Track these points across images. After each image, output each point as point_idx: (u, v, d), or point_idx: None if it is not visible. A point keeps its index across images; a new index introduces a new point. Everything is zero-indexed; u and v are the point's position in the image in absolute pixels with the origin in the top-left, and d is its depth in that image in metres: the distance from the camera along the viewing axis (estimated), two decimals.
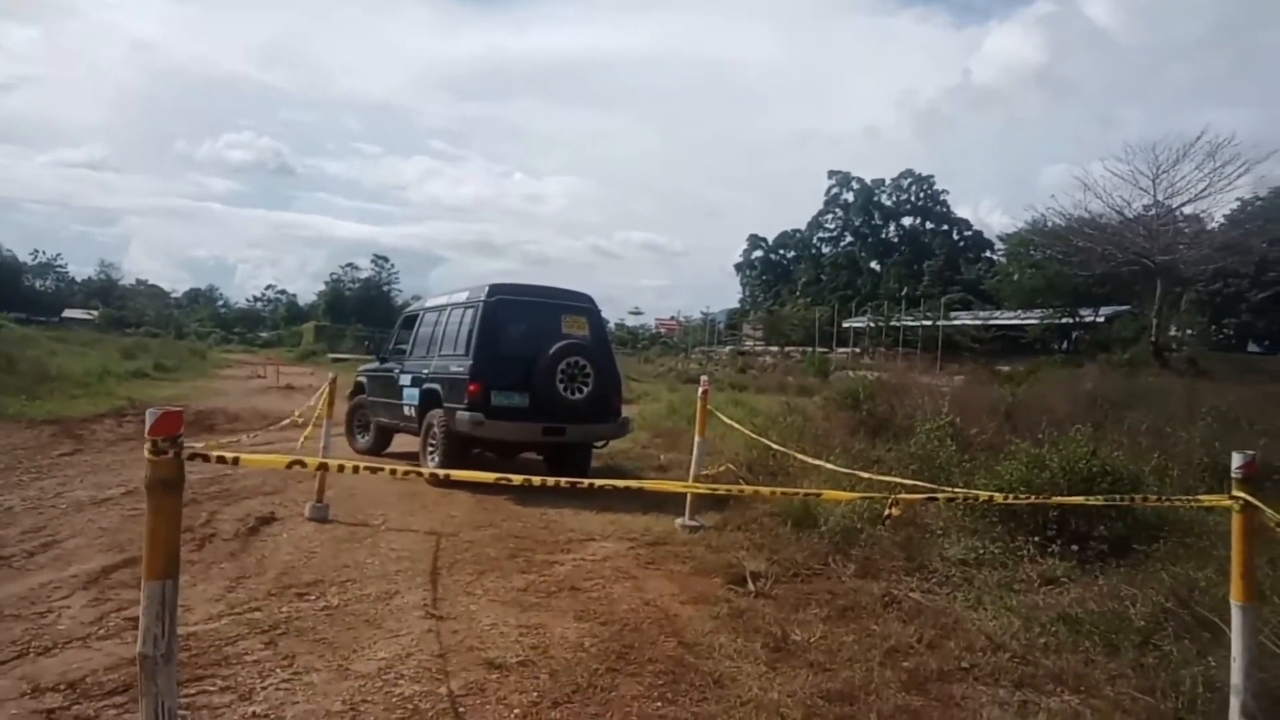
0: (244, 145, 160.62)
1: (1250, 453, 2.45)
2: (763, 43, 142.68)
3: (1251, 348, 38.59)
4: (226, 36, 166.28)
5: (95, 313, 73.54)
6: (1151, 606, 4.34)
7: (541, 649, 4.00)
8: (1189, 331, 35.36)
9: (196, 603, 4.34)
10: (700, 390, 7.01)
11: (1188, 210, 31.00)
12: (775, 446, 6.90)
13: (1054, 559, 5.44)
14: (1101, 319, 38.92)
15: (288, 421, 7.74)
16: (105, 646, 3.70)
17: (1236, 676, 2.41)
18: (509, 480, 2.72)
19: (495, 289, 8.84)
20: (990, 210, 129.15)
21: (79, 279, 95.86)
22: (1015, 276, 46.01)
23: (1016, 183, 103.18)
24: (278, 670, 3.55)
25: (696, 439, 6.88)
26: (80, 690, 3.23)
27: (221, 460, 2.34)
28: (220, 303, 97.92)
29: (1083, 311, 39.91)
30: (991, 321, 43.32)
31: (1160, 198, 30.43)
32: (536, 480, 2.96)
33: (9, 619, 3.99)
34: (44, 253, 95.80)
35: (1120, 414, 9.94)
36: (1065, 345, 41.34)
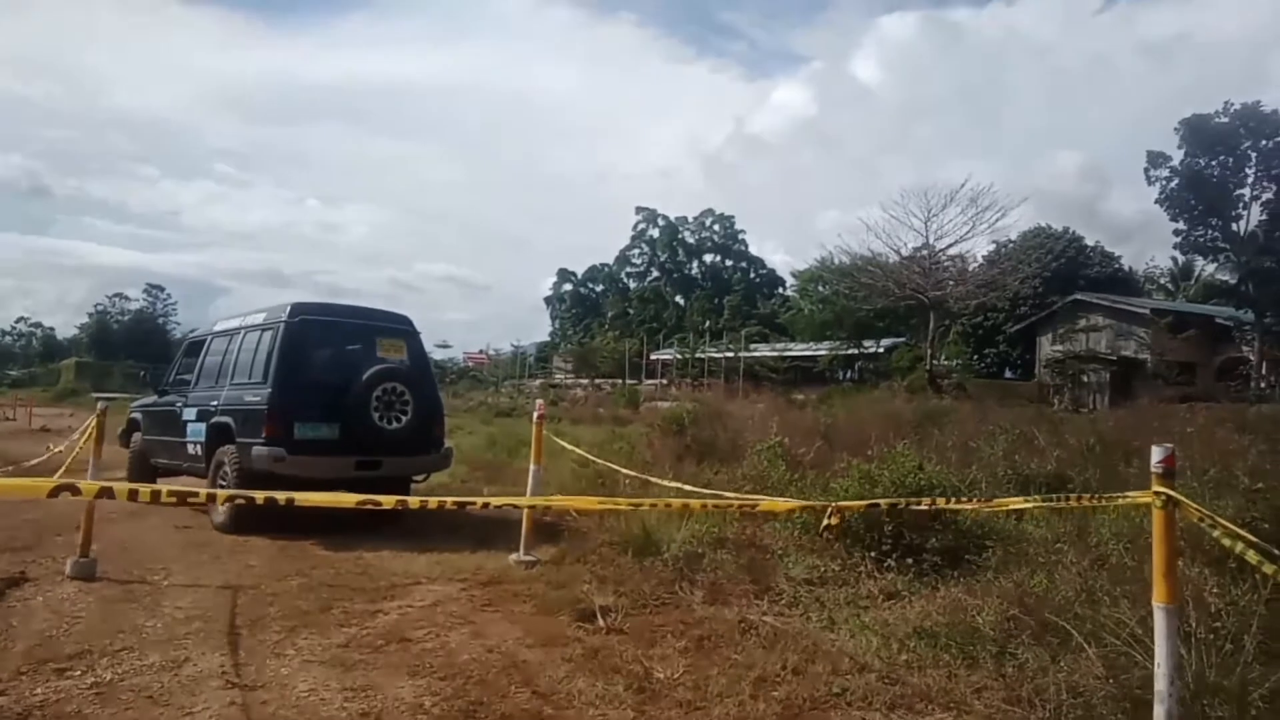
0: None
1: (1169, 446, 2.40)
2: (563, 78, 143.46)
3: (1007, 374, 43.16)
4: None
5: None
6: (996, 615, 4.40)
7: (374, 715, 3.43)
8: (956, 361, 39.20)
9: None
10: (535, 415, 6.59)
11: (954, 251, 34.46)
12: (627, 472, 6.57)
13: (892, 573, 5.49)
14: (882, 349, 42.25)
15: (37, 462, 6.53)
16: None
17: (1161, 683, 2.31)
18: (378, 505, 2.20)
19: (299, 308, 7.95)
20: (774, 250, 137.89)
21: None
22: (806, 310, 49.28)
23: (797, 226, 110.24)
24: None
25: (532, 467, 6.41)
26: None
27: None
28: None
29: (866, 343, 43.14)
30: (786, 353, 45.80)
31: (931, 239, 33.60)
32: (388, 502, 2.44)
33: None
34: None
35: (924, 432, 10.55)
36: (850, 374, 44.36)
